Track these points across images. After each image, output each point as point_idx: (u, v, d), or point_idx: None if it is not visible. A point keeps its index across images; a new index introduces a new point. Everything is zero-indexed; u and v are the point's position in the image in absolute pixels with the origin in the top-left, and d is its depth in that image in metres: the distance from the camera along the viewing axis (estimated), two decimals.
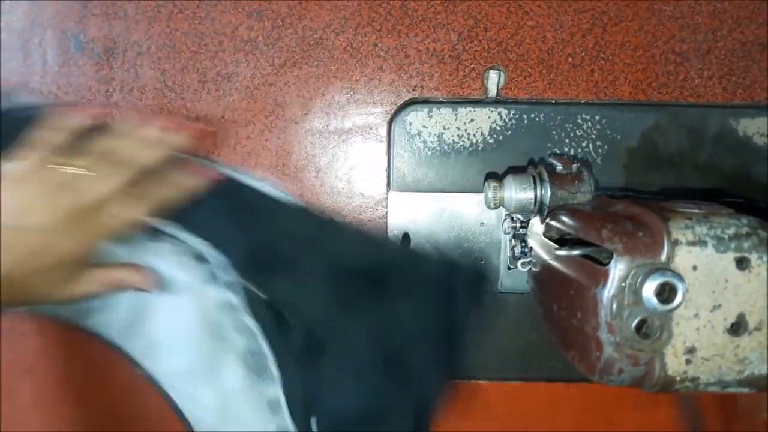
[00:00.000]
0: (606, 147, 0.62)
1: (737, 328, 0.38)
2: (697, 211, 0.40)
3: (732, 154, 0.62)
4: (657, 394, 0.64)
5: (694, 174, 0.62)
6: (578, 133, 0.62)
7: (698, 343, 0.38)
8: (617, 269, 0.38)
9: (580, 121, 0.62)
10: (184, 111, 0.62)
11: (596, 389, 0.65)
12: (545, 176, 0.50)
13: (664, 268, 0.37)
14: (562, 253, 0.42)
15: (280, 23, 0.61)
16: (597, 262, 0.40)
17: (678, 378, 0.38)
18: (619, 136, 0.62)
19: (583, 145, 0.62)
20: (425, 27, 0.61)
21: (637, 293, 0.38)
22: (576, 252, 0.41)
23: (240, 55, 0.61)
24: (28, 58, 0.61)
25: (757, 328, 0.38)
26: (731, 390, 0.39)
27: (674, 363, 0.38)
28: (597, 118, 0.62)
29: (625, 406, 0.66)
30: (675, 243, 0.38)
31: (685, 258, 0.38)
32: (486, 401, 0.65)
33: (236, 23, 0.61)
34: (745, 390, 0.39)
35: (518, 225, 0.57)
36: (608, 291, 0.38)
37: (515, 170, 0.56)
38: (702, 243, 0.38)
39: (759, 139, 0.62)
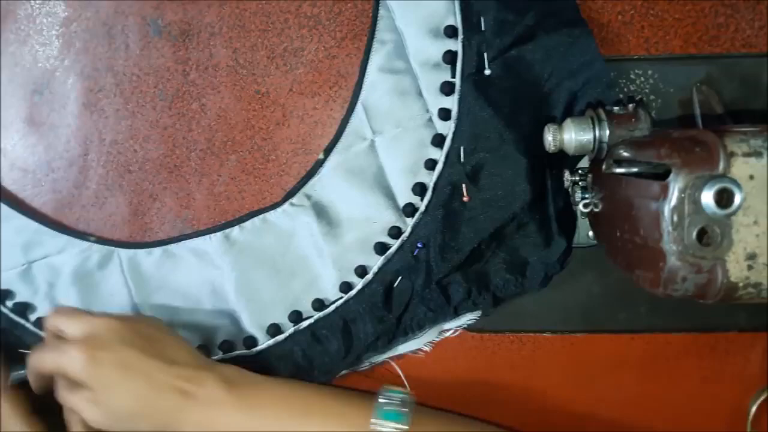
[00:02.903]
0: (660, 101, 0.64)
1: None
2: (752, 128, 0.42)
3: None
4: (724, 345, 0.65)
5: (751, 122, 0.63)
6: (632, 88, 0.64)
7: (759, 249, 0.40)
8: (677, 182, 0.40)
9: (633, 76, 0.64)
10: (255, 86, 0.66)
11: (660, 340, 0.66)
12: (603, 116, 0.52)
13: (721, 176, 0.39)
14: (620, 170, 0.45)
15: None
16: (656, 179, 0.42)
17: (741, 284, 0.40)
18: (672, 89, 0.64)
19: (637, 99, 0.64)
20: None
21: (696, 203, 0.40)
22: (635, 169, 0.43)
23: (304, 31, 0.65)
24: (112, 43, 0.66)
25: None
26: None
27: (736, 269, 0.40)
28: (649, 72, 0.64)
29: (690, 357, 0.67)
30: (731, 155, 0.40)
31: (741, 168, 0.40)
32: (551, 353, 0.67)
33: (300, 1, 0.65)
34: None
35: (578, 178, 0.59)
36: (669, 203, 0.40)
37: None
38: (758, 154, 0.40)
39: None
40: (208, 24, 0.66)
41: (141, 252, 0.65)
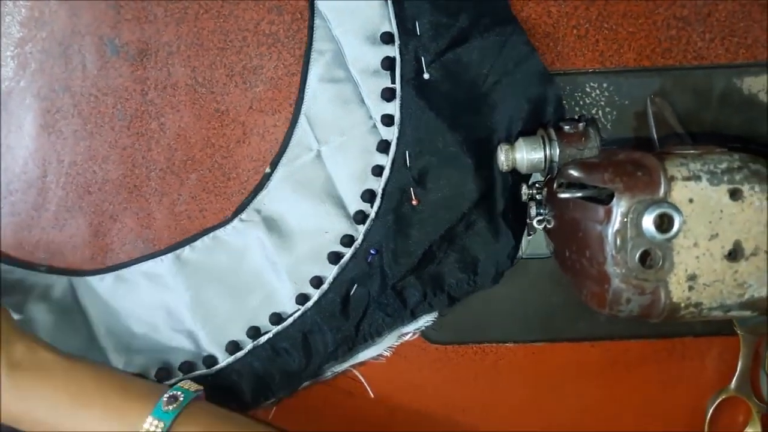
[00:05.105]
0: (615, 113, 0.65)
1: (734, 254, 0.41)
2: (692, 151, 0.43)
3: (738, 112, 0.64)
4: (681, 350, 0.67)
5: (702, 133, 0.64)
6: (587, 101, 0.65)
7: (699, 270, 0.41)
8: (619, 206, 0.41)
9: (588, 89, 0.65)
10: (214, 104, 0.66)
11: (619, 347, 0.68)
12: (553, 136, 0.53)
13: (661, 201, 0.40)
14: (566, 195, 0.46)
15: (299, 16, 0.65)
16: (601, 203, 0.43)
17: (683, 304, 0.41)
18: (627, 102, 0.65)
19: (593, 112, 0.65)
20: None
21: (638, 227, 0.41)
22: (579, 194, 0.44)
23: (263, 49, 0.66)
24: (69, 63, 0.65)
25: (753, 254, 0.41)
26: (734, 314, 0.41)
27: (678, 290, 0.41)
28: (604, 85, 0.65)
29: (649, 362, 0.68)
30: (671, 179, 0.41)
31: (681, 192, 0.41)
32: (514, 362, 0.68)
33: (258, 19, 0.65)
34: (746, 313, 0.41)
35: (534, 191, 0.60)
36: (612, 227, 0.42)
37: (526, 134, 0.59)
38: (696, 178, 0.41)
39: (764, 96, 0.64)
40: (166, 43, 0.65)
41: (93, 279, 0.65)
